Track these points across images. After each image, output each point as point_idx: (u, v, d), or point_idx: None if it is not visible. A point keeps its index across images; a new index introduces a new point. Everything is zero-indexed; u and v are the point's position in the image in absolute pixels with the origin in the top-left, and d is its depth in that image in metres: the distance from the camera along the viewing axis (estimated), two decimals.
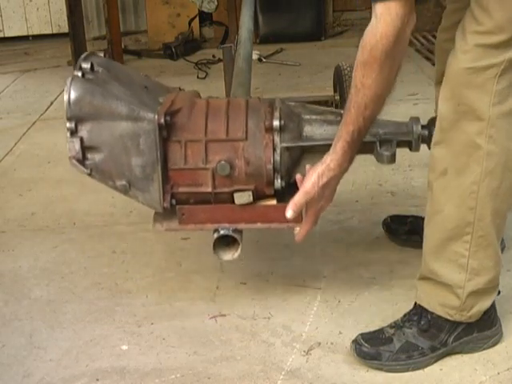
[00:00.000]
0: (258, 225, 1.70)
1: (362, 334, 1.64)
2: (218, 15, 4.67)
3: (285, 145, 1.68)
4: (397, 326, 1.63)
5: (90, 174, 1.68)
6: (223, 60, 3.47)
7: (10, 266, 2.11)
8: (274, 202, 1.70)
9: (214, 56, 4.26)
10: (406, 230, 2.09)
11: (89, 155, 1.67)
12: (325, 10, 4.78)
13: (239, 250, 1.69)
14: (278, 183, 1.68)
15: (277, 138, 1.68)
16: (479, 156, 1.48)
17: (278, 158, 1.68)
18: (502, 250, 1.96)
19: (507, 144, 1.49)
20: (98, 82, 1.67)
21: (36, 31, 5.03)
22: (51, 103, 3.64)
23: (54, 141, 3.09)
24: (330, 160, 1.54)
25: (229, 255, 1.70)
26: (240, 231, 1.70)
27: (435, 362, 1.61)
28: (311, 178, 1.55)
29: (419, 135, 1.75)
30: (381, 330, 1.64)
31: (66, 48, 4.25)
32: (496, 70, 1.44)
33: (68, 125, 1.65)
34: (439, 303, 1.60)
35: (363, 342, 1.61)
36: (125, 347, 1.72)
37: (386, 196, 2.43)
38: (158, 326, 1.79)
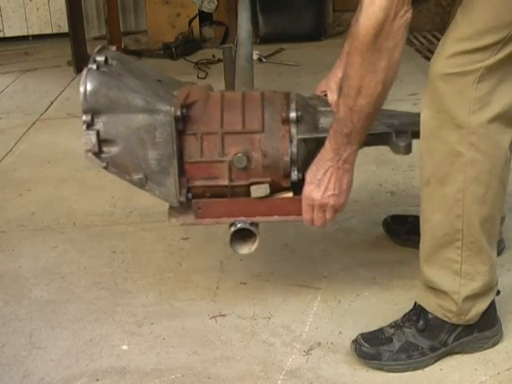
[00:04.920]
0: (275, 218, 1.68)
1: (361, 334, 1.64)
2: (218, 15, 4.68)
3: (301, 136, 1.66)
4: (397, 325, 1.63)
5: (106, 168, 1.66)
6: (223, 60, 3.46)
7: (10, 265, 2.11)
8: (290, 194, 1.68)
9: (213, 56, 4.27)
10: (406, 230, 2.09)
11: (105, 148, 1.64)
12: (325, 10, 4.78)
13: (256, 243, 1.67)
14: (295, 175, 1.66)
15: (293, 130, 1.66)
16: (461, 164, 1.47)
17: (294, 149, 1.66)
18: (502, 250, 1.97)
19: (492, 151, 1.48)
20: (113, 75, 1.65)
21: (36, 31, 5.02)
22: (51, 103, 3.64)
23: (54, 141, 3.10)
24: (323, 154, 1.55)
25: (245, 249, 1.68)
26: (256, 224, 1.68)
27: (435, 361, 1.61)
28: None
29: None
30: (381, 330, 1.64)
31: (66, 48, 4.24)
32: (473, 76, 1.42)
33: (84, 118, 1.62)
34: (438, 305, 1.60)
35: (363, 342, 1.61)
36: (125, 347, 1.72)
37: (386, 196, 2.43)
38: (158, 326, 1.79)
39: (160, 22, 4.71)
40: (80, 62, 4.09)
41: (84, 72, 1.63)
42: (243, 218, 1.67)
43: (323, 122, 1.70)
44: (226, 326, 1.78)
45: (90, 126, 1.62)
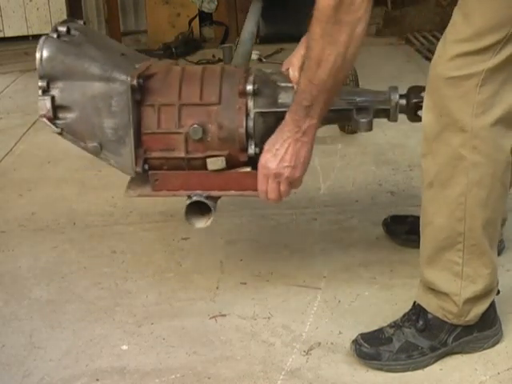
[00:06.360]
0: (232, 192, 1.68)
1: (361, 334, 1.64)
2: (218, 15, 4.68)
3: (259, 110, 1.66)
4: (396, 325, 1.63)
5: (60, 134, 1.68)
6: (223, 60, 3.47)
7: (10, 266, 2.11)
8: (248, 169, 1.68)
9: (213, 56, 4.27)
10: (405, 230, 2.09)
11: (60, 114, 1.67)
12: None
13: (211, 218, 1.67)
14: (252, 149, 1.65)
15: (250, 103, 1.66)
16: (464, 167, 1.47)
17: (251, 122, 1.65)
18: (502, 250, 1.97)
19: (494, 154, 1.48)
20: (73, 44, 1.68)
21: (36, 31, 5.01)
22: None
23: (54, 141, 3.06)
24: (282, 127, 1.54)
25: (201, 223, 1.68)
26: (214, 198, 1.69)
27: (435, 361, 1.61)
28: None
29: (397, 103, 1.72)
30: (380, 330, 1.64)
31: None
32: (476, 79, 1.42)
33: (40, 83, 1.65)
34: (439, 306, 1.60)
35: (363, 342, 1.61)
36: (125, 347, 1.72)
37: (386, 196, 2.43)
38: (158, 326, 1.79)
39: (160, 22, 4.71)
40: None
41: (42, 39, 1.65)
42: (200, 192, 1.67)
43: (283, 97, 1.69)
44: (226, 325, 1.78)
45: (45, 91, 1.65)
